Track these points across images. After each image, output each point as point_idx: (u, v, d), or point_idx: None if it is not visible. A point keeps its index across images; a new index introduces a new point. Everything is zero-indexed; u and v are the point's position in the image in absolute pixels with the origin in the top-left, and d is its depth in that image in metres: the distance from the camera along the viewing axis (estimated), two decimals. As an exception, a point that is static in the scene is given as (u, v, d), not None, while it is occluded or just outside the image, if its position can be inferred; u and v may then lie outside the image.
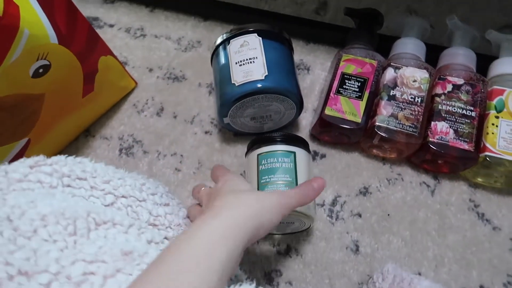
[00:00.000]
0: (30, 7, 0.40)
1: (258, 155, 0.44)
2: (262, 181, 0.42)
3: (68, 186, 0.32)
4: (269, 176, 0.42)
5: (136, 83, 0.62)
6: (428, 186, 0.50)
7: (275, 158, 0.42)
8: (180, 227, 0.36)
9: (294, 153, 0.43)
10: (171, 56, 0.65)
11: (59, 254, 0.25)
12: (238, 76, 0.48)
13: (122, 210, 0.32)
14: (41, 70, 0.43)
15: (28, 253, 0.24)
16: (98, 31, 0.67)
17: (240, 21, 0.51)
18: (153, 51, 0.65)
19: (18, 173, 0.30)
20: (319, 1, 0.69)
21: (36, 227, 0.26)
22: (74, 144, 0.56)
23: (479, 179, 0.49)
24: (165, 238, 0.32)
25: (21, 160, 0.32)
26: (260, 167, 0.43)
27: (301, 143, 0.45)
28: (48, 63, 0.43)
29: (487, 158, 0.46)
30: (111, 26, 0.69)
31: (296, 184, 0.41)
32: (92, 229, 0.28)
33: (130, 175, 0.36)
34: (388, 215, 0.48)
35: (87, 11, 0.71)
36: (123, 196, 0.33)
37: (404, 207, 0.49)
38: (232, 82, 0.48)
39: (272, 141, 0.44)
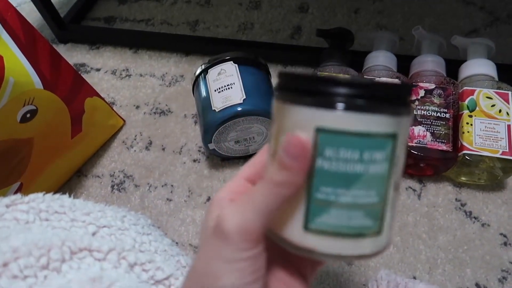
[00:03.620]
0: (14, 57, 0.42)
1: (317, 130, 0.18)
2: (318, 196, 0.19)
3: (46, 220, 0.32)
4: (335, 190, 0.18)
5: (124, 120, 0.64)
6: (414, 190, 0.51)
7: (358, 152, 0.18)
8: (167, 253, 0.36)
9: (395, 136, 0.18)
10: (156, 92, 0.67)
11: None
12: (218, 103, 0.50)
13: (105, 238, 0.33)
14: (28, 115, 0.45)
15: None
16: (85, 75, 0.70)
17: (220, 52, 0.53)
18: (138, 89, 0.68)
19: None
20: (293, 26, 0.72)
21: (7, 261, 0.26)
22: (67, 185, 0.58)
23: (463, 178, 0.50)
24: (150, 262, 0.33)
25: None
26: (321, 162, 0.18)
27: (407, 101, 0.19)
28: (35, 108, 0.45)
29: (466, 157, 0.47)
30: (98, 70, 0.72)
31: (385, 209, 0.19)
32: (66, 259, 0.29)
33: (110, 208, 0.37)
34: (378, 222, 0.49)
35: (74, 58, 0.74)
36: (105, 226, 0.34)
37: (393, 213, 0.49)
38: (213, 108, 0.50)
39: (364, 95, 0.18)
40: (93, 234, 0.34)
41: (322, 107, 0.17)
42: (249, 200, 0.20)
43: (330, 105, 0.17)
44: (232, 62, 0.52)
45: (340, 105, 0.17)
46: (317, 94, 0.18)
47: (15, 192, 0.48)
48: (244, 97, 0.49)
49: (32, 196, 0.34)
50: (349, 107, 0.17)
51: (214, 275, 0.19)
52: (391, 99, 0.18)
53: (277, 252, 0.25)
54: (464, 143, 0.47)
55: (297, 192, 0.19)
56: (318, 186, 0.19)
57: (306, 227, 0.19)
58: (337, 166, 0.18)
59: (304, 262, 0.25)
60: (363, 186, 0.18)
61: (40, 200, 0.34)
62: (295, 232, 0.20)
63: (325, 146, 0.18)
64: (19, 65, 0.43)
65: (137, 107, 0.66)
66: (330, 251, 0.19)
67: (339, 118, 0.17)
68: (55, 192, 0.56)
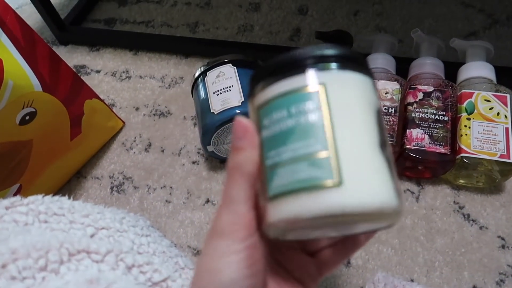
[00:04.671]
0: (13, 60, 0.42)
1: (258, 109, 0.21)
2: (268, 163, 0.20)
3: (45, 222, 0.32)
4: (277, 151, 0.20)
5: (123, 122, 0.64)
6: (412, 192, 0.51)
7: (285, 109, 0.20)
8: (165, 254, 0.37)
9: (324, 85, 0.20)
10: (156, 94, 0.67)
11: None
12: (217, 105, 0.50)
13: (104, 240, 0.33)
14: (27, 118, 0.45)
15: None
16: (85, 77, 0.71)
17: (219, 55, 0.53)
18: (138, 91, 0.68)
19: None
20: (292, 28, 0.72)
21: (6, 262, 0.26)
22: (66, 187, 0.58)
23: (461, 181, 0.50)
24: (148, 264, 0.33)
25: None
26: (263, 133, 0.21)
27: (344, 59, 0.21)
28: (34, 110, 0.45)
29: (464, 159, 0.47)
30: (98, 72, 0.72)
31: (338, 158, 0.19)
32: (64, 261, 0.29)
33: (109, 209, 0.37)
34: (376, 225, 0.49)
35: (74, 60, 0.75)
36: (103, 228, 0.34)
37: (391, 215, 0.49)
38: (211, 111, 0.50)
39: (278, 70, 0.21)
40: (92, 236, 0.34)
41: (256, 93, 0.22)
42: (227, 193, 0.21)
43: (259, 89, 0.21)
44: (230, 64, 0.52)
45: (261, 85, 0.21)
46: (252, 86, 0.22)
47: (15, 194, 0.49)
48: (243, 99, 0.49)
49: (31, 198, 0.34)
50: (267, 83, 0.21)
51: (213, 271, 0.20)
52: (297, 63, 0.20)
53: (275, 259, 0.25)
54: (462, 146, 0.47)
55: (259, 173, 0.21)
56: (266, 154, 0.20)
57: (268, 198, 0.20)
58: (274, 129, 0.20)
59: (303, 268, 0.25)
60: (299, 137, 0.19)
61: (39, 202, 0.34)
62: (265, 212, 0.20)
63: (263, 118, 0.21)
64: (18, 67, 0.43)
65: (137, 109, 0.66)
66: (294, 214, 0.19)
67: (264, 93, 0.21)
68: (55, 193, 0.56)
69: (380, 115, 0.21)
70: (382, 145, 0.20)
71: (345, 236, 0.25)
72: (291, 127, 0.19)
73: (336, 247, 0.26)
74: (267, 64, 0.21)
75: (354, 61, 0.21)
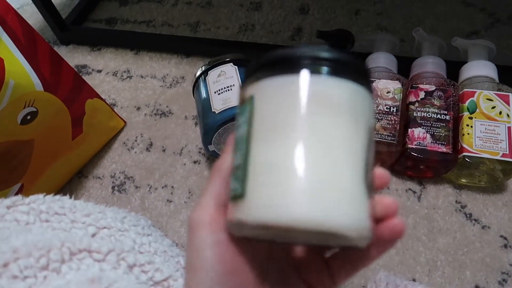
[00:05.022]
0: (14, 59, 0.42)
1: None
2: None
3: (47, 221, 0.33)
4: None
5: (125, 122, 0.64)
6: (414, 192, 0.51)
7: (237, 118, 0.21)
8: (167, 254, 0.36)
9: (252, 98, 0.19)
10: (157, 94, 0.67)
11: None
12: (218, 104, 0.50)
13: (105, 240, 0.33)
14: (28, 117, 0.45)
15: None
16: (86, 77, 0.71)
17: (220, 54, 0.53)
18: (139, 90, 0.68)
19: None
20: (293, 28, 0.72)
21: (7, 261, 0.27)
22: (68, 186, 0.58)
23: (463, 180, 0.50)
24: (149, 263, 0.33)
25: None
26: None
27: (269, 66, 0.19)
28: (35, 109, 0.45)
29: (466, 159, 0.47)
30: (99, 71, 0.72)
31: (246, 168, 0.18)
32: (66, 260, 0.29)
33: (111, 209, 0.37)
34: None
35: (75, 59, 0.75)
36: (105, 227, 0.34)
37: (393, 215, 0.49)
38: (213, 110, 0.50)
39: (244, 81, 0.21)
40: (93, 235, 0.34)
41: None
42: (203, 190, 0.22)
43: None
44: (232, 64, 0.52)
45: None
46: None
47: (16, 194, 0.49)
48: (244, 98, 0.49)
49: (32, 197, 0.34)
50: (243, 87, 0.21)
51: (194, 268, 0.20)
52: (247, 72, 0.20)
53: (291, 261, 0.25)
54: (464, 145, 0.47)
55: None
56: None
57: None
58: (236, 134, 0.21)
59: (319, 274, 0.24)
60: (236, 149, 0.20)
61: (41, 202, 0.34)
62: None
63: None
64: (20, 67, 0.43)
65: (138, 108, 0.66)
66: (231, 217, 0.19)
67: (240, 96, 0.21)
68: (56, 193, 0.56)
69: (319, 115, 0.18)
70: (314, 150, 0.17)
71: (320, 246, 0.23)
72: (235, 138, 0.21)
73: (346, 258, 0.24)
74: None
75: (278, 65, 0.19)
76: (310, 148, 0.17)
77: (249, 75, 0.20)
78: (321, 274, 0.24)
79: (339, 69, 0.18)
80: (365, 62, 0.17)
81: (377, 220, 0.20)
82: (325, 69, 0.18)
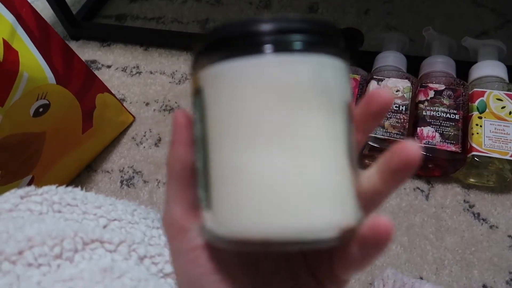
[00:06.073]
0: (28, 52, 0.43)
1: None
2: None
3: (59, 212, 0.33)
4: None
5: (134, 117, 0.64)
6: (422, 191, 0.51)
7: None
8: (177, 247, 0.37)
9: (201, 90, 0.16)
10: (166, 90, 0.68)
11: (41, 278, 0.26)
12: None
13: (116, 231, 0.34)
14: (41, 110, 0.46)
15: (11, 279, 0.25)
16: (96, 72, 0.71)
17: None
18: (149, 86, 0.69)
19: (9, 203, 0.31)
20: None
21: (22, 249, 0.27)
22: (77, 180, 0.59)
23: (472, 180, 0.50)
24: (159, 255, 0.33)
25: (12, 190, 0.33)
26: None
27: (212, 47, 0.15)
28: (47, 102, 0.46)
29: (475, 158, 0.46)
30: (109, 67, 0.73)
31: (208, 175, 0.16)
32: (79, 249, 0.29)
33: (121, 201, 0.38)
34: (385, 222, 0.49)
35: (85, 55, 0.75)
36: (115, 219, 0.35)
37: (400, 213, 0.49)
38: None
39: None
40: (104, 226, 0.34)
41: None
42: (165, 192, 0.19)
43: None
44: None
45: None
46: None
47: (27, 185, 0.49)
48: (254, 95, 0.49)
49: (45, 188, 0.35)
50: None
51: (176, 271, 0.19)
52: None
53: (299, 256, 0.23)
54: (473, 145, 0.47)
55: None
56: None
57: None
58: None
59: (328, 267, 0.23)
60: (195, 150, 0.17)
61: (53, 192, 0.34)
62: None
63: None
64: (33, 60, 0.43)
65: (147, 104, 0.66)
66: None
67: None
68: (66, 186, 0.57)
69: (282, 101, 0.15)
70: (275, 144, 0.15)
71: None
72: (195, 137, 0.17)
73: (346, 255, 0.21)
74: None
75: (231, 48, 0.15)
76: (276, 150, 0.14)
77: (196, 60, 0.16)
78: (329, 269, 0.22)
79: (301, 43, 0.14)
80: (330, 24, 0.15)
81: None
82: (283, 46, 0.14)
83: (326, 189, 0.15)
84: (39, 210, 0.32)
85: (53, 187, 0.35)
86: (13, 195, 0.32)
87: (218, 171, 0.15)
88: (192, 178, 0.18)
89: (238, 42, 0.14)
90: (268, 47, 0.14)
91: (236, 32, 0.14)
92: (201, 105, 0.15)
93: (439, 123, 0.49)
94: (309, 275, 0.23)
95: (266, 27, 0.14)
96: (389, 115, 0.51)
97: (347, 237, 0.16)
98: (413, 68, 0.56)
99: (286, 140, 0.14)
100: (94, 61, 0.74)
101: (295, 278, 0.22)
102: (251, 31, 0.14)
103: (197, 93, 0.16)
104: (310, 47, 0.14)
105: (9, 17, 0.42)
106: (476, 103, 0.49)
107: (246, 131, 0.14)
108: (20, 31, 0.42)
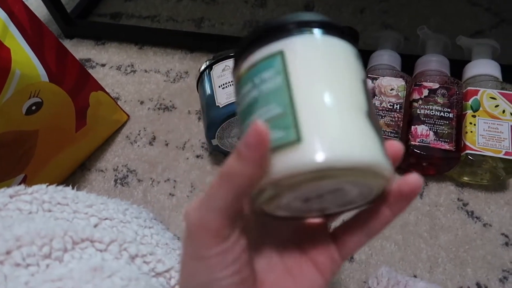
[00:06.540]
0: (21, 49, 0.43)
1: (235, 86, 0.23)
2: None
3: (49, 211, 0.33)
4: (247, 123, 0.20)
5: (128, 116, 0.64)
6: (416, 189, 0.51)
7: (250, 82, 0.21)
8: (168, 246, 0.37)
9: (281, 53, 0.20)
10: (160, 88, 0.67)
11: (29, 278, 0.26)
12: (222, 98, 0.50)
13: (107, 230, 0.33)
14: (33, 108, 0.45)
15: None
16: (90, 71, 0.71)
17: (224, 50, 0.53)
18: (143, 84, 0.68)
19: None
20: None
21: (10, 249, 0.27)
22: (71, 178, 0.58)
23: (465, 178, 0.50)
24: (151, 254, 0.33)
25: (2, 189, 0.33)
26: (238, 110, 0.22)
27: (302, 25, 0.20)
28: (40, 100, 0.46)
29: (469, 156, 0.47)
30: (103, 65, 0.73)
31: (295, 118, 0.19)
32: (68, 249, 0.29)
33: (113, 200, 0.37)
34: (380, 221, 0.49)
35: (80, 53, 0.75)
36: (106, 218, 0.34)
37: (394, 211, 0.49)
38: (217, 104, 0.50)
39: (243, 50, 0.21)
40: (95, 225, 0.34)
41: (234, 73, 0.23)
42: (206, 195, 0.18)
43: (236, 68, 0.22)
44: (236, 58, 0.52)
45: (229, 67, 0.23)
46: (233, 67, 0.23)
47: (19, 184, 0.49)
48: (248, 93, 0.49)
49: (35, 187, 0.34)
50: (240, 60, 0.22)
51: (188, 273, 0.20)
52: (259, 36, 0.21)
53: (296, 239, 0.24)
54: (467, 143, 0.47)
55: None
56: (242, 129, 0.21)
57: None
58: (243, 104, 0.21)
59: (326, 251, 0.23)
60: (261, 104, 0.20)
61: (43, 191, 0.34)
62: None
63: (237, 94, 0.22)
64: (26, 57, 0.43)
65: (142, 102, 0.66)
66: (267, 176, 0.18)
67: (237, 71, 0.22)
68: (59, 185, 0.57)
69: (361, 81, 0.20)
70: (354, 104, 0.19)
71: (340, 211, 0.23)
72: (255, 97, 0.20)
73: (356, 226, 0.23)
74: (240, 43, 0.21)
75: (312, 25, 0.21)
76: (340, 91, 0.19)
77: (275, 32, 0.21)
78: (327, 249, 0.23)
79: (342, 33, 0.21)
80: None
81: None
82: (334, 31, 0.21)
83: (376, 138, 0.19)
84: (29, 209, 0.32)
85: (43, 186, 0.34)
86: (2, 194, 0.32)
87: (308, 108, 0.19)
88: (246, 197, 0.19)
89: (315, 24, 0.21)
90: (329, 31, 0.20)
91: (316, 18, 0.21)
92: (283, 61, 0.20)
93: (433, 122, 0.49)
94: (306, 260, 0.23)
95: (328, 20, 0.21)
96: (383, 113, 0.51)
97: (387, 186, 0.20)
98: (408, 67, 0.56)
99: (340, 85, 0.20)
100: (88, 60, 0.74)
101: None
102: (324, 20, 0.21)
103: (275, 54, 0.20)
104: (349, 37, 0.21)
105: (1, 14, 0.41)
106: (470, 102, 0.50)
107: (320, 78, 0.19)
108: (13, 28, 0.42)
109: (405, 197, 0.20)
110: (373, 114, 0.20)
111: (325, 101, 0.19)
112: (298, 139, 0.18)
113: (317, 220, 0.25)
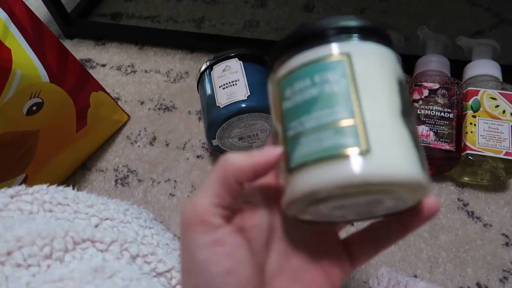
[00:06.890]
0: (21, 50, 0.43)
1: (279, 82, 0.21)
2: (290, 134, 0.20)
3: (50, 211, 0.33)
4: (300, 121, 0.20)
5: (128, 116, 0.64)
6: (416, 189, 0.51)
7: (308, 79, 0.20)
8: (169, 247, 0.37)
9: (348, 55, 0.20)
10: (161, 88, 0.67)
11: (30, 279, 0.26)
12: (222, 99, 0.50)
13: (108, 230, 0.34)
14: (34, 108, 0.45)
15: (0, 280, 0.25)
16: (91, 71, 0.71)
17: (225, 50, 0.54)
18: (143, 85, 0.68)
19: None
20: (298, 25, 0.72)
21: (11, 249, 0.27)
22: (71, 178, 0.58)
23: (466, 178, 0.50)
24: (152, 254, 0.33)
25: (2, 190, 0.32)
26: (285, 104, 0.21)
27: (367, 30, 0.20)
28: (41, 100, 0.46)
29: (469, 157, 0.47)
30: (103, 65, 0.73)
31: (365, 125, 0.18)
32: (69, 249, 0.29)
33: (113, 201, 0.37)
34: (380, 221, 0.49)
35: (80, 53, 0.75)
36: (107, 219, 0.34)
37: (395, 212, 0.49)
38: (217, 104, 0.50)
39: (301, 42, 0.21)
40: (96, 226, 0.34)
41: (276, 67, 0.22)
42: (199, 188, 0.20)
43: (281, 62, 0.21)
44: (237, 59, 0.52)
45: (283, 57, 0.21)
46: (271, 61, 0.22)
47: (20, 184, 0.49)
48: (249, 93, 0.49)
49: (36, 187, 0.34)
50: (290, 55, 0.21)
51: (185, 270, 0.20)
52: (321, 33, 0.20)
53: (309, 244, 0.24)
54: (467, 143, 0.47)
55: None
56: (288, 125, 0.20)
57: (289, 170, 0.20)
58: (296, 99, 0.20)
59: (338, 258, 0.24)
60: (323, 105, 0.19)
61: (44, 192, 0.34)
62: (286, 185, 0.20)
63: (284, 89, 0.21)
64: (27, 58, 0.43)
65: (142, 102, 0.66)
66: (318, 183, 0.18)
67: (287, 65, 0.21)
68: (59, 185, 0.57)
69: (404, 86, 0.21)
70: (406, 114, 0.20)
71: (364, 220, 0.23)
72: (314, 96, 0.19)
73: (369, 237, 0.24)
74: (288, 37, 0.21)
75: (377, 33, 0.21)
76: (397, 106, 0.19)
77: (336, 33, 0.20)
78: (338, 257, 0.24)
79: (388, 41, 0.22)
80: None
81: None
82: (390, 42, 0.22)
83: (416, 150, 0.19)
84: (30, 209, 0.32)
85: (44, 186, 0.34)
86: (2, 195, 0.32)
87: (373, 118, 0.18)
88: (238, 191, 0.20)
89: (380, 33, 0.21)
90: (387, 42, 0.21)
91: (379, 27, 0.21)
92: (350, 65, 0.19)
93: (433, 122, 0.49)
94: (317, 267, 0.24)
95: (388, 30, 0.22)
96: (383, 113, 0.51)
97: (423, 198, 0.21)
98: (408, 67, 0.56)
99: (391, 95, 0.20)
100: (88, 60, 0.74)
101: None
102: (385, 29, 0.21)
103: (341, 57, 0.20)
104: (391, 43, 0.22)
105: (2, 15, 0.41)
106: (470, 102, 0.50)
107: (382, 87, 0.19)
108: (13, 28, 0.42)
109: (421, 218, 0.21)
110: (413, 115, 0.21)
111: (387, 112, 0.19)
112: (367, 149, 0.18)
113: (339, 226, 0.26)
